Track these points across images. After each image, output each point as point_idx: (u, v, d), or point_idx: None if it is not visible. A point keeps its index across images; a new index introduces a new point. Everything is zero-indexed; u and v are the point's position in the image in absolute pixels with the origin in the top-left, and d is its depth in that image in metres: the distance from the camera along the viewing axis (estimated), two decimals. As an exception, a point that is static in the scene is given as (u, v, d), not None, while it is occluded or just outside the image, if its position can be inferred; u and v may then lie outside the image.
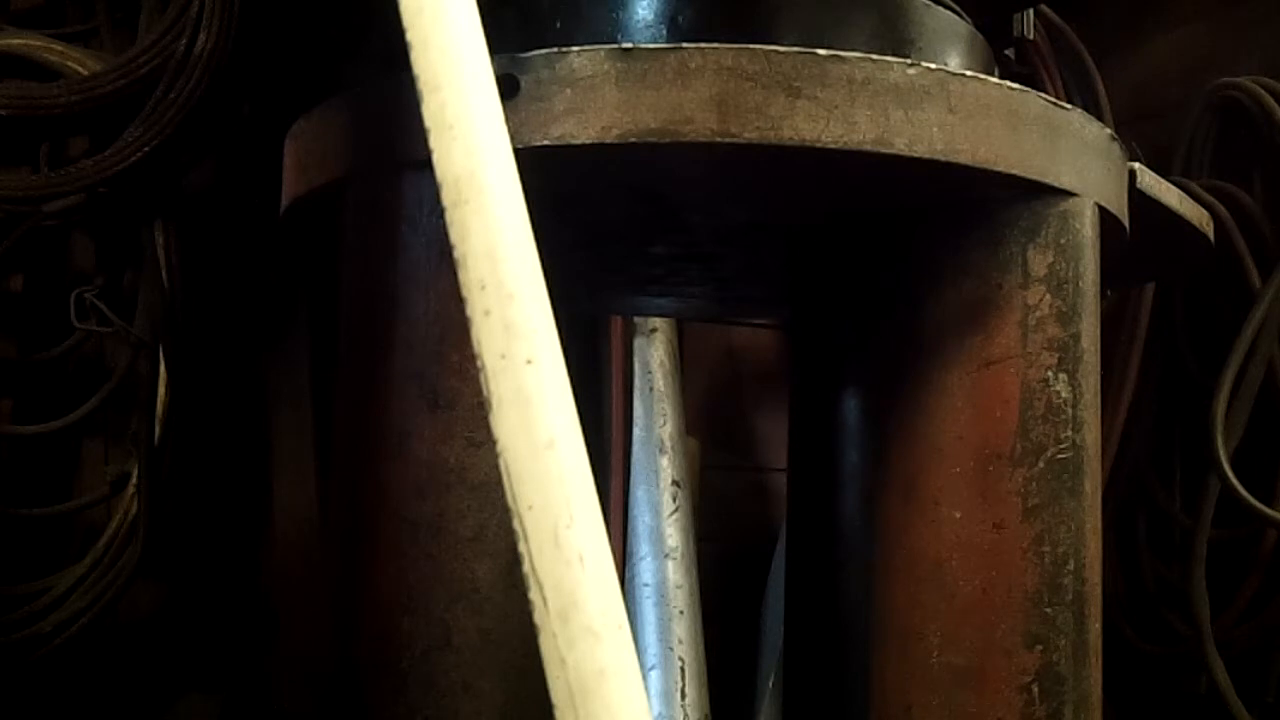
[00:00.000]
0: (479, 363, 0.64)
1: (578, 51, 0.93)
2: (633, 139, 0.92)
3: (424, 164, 0.69)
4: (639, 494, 2.20)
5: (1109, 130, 1.09)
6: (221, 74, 1.56)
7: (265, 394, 2.01)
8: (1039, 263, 1.04)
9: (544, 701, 0.60)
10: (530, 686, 0.93)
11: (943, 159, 0.95)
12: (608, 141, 0.92)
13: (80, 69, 1.69)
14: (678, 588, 2.13)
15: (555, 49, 0.93)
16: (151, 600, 2.06)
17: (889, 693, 1.08)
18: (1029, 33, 1.41)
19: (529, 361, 0.63)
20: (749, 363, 2.59)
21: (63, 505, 2.01)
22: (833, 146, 0.92)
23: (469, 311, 0.65)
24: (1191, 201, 1.26)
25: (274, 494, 1.98)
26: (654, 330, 2.27)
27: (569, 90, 0.92)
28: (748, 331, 2.57)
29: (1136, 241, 1.19)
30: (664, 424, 2.22)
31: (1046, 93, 1.05)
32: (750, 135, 0.91)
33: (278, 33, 1.72)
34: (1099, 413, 1.10)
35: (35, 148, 1.90)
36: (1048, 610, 1.03)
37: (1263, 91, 2.16)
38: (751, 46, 0.92)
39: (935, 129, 0.95)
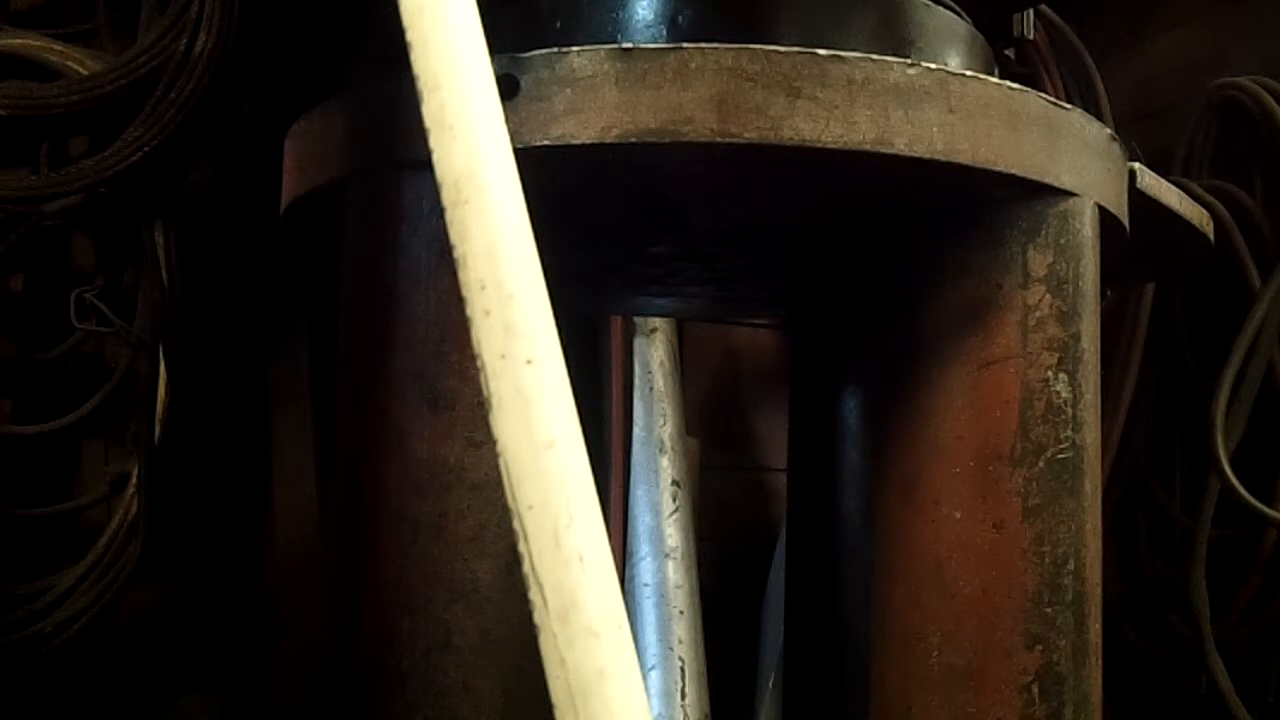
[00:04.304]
0: (479, 363, 0.64)
1: (578, 51, 0.93)
2: (633, 139, 0.92)
3: (424, 164, 0.69)
4: (639, 494, 2.20)
5: (1109, 130, 1.09)
6: (221, 74, 1.56)
7: (265, 394, 2.01)
8: (1039, 263, 1.04)
9: (544, 701, 0.60)
10: (530, 686, 0.93)
11: (943, 159, 0.95)
12: (608, 141, 0.92)
13: (80, 69, 1.69)
14: (678, 588, 2.13)
15: (555, 49, 0.93)
16: (151, 600, 2.06)
17: (889, 693, 1.08)
18: (1029, 33, 1.41)
19: (529, 361, 0.63)
20: (749, 363, 2.59)
21: (63, 505, 2.01)
22: (833, 146, 0.92)
23: (469, 311, 0.65)
24: (1191, 201, 1.26)
25: (274, 494, 1.98)
26: (654, 330, 2.27)
27: (569, 90, 0.93)
28: (748, 331, 2.57)
29: (1136, 241, 1.19)
30: (664, 424, 2.22)
31: (1046, 93, 1.05)
32: (750, 135, 0.91)
33: (278, 33, 1.72)
34: (1099, 413, 1.10)
35: (35, 148, 1.90)
36: (1048, 610, 1.03)
37: (1263, 91, 2.16)
38: (751, 46, 0.92)
39: (935, 129, 0.95)
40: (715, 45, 0.92)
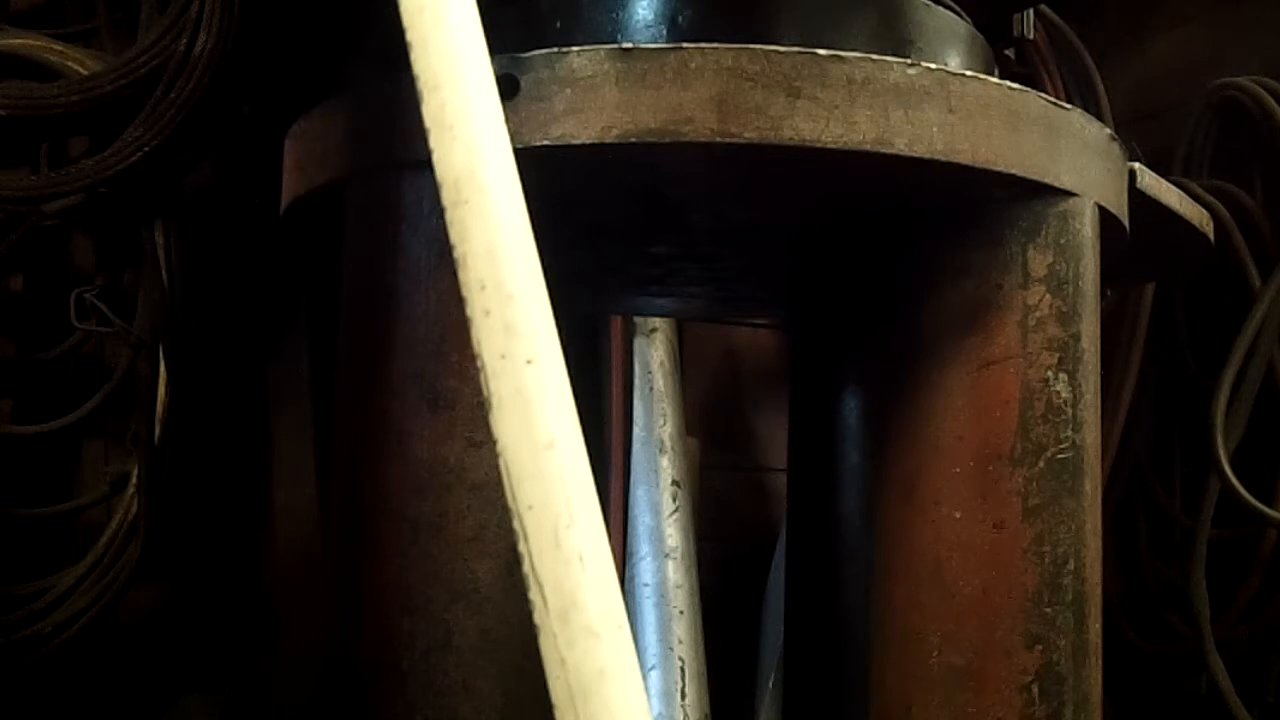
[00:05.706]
0: (479, 363, 0.64)
1: (578, 51, 0.93)
2: (633, 139, 0.92)
3: (424, 164, 0.69)
4: (639, 494, 2.20)
5: (1109, 130, 1.09)
6: (221, 74, 1.56)
7: (265, 394, 2.01)
8: (1039, 263, 1.04)
9: (544, 701, 0.60)
10: (530, 686, 0.93)
11: (943, 159, 0.95)
12: (608, 141, 0.92)
13: (80, 69, 1.69)
14: (678, 588, 2.13)
15: (555, 49, 0.93)
16: (151, 600, 2.06)
17: (889, 693, 1.08)
18: (1029, 33, 1.41)
19: (529, 361, 0.63)
20: (749, 363, 2.59)
21: (63, 505, 2.01)
22: (833, 146, 0.92)
23: (469, 311, 0.65)
24: (1191, 201, 1.26)
25: (274, 494, 1.98)
26: (654, 330, 2.27)
27: (569, 90, 0.93)
28: (748, 331, 2.57)
29: (1136, 241, 1.19)
30: (664, 424, 2.22)
31: (1046, 93, 1.05)
32: (750, 135, 0.91)
33: (278, 33, 1.72)
34: (1099, 413, 1.10)
35: (35, 148, 1.90)
36: (1048, 610, 1.03)
37: (1263, 91, 2.16)
38: (751, 46, 0.92)
39: (935, 129, 0.95)
40: (715, 45, 0.92)
